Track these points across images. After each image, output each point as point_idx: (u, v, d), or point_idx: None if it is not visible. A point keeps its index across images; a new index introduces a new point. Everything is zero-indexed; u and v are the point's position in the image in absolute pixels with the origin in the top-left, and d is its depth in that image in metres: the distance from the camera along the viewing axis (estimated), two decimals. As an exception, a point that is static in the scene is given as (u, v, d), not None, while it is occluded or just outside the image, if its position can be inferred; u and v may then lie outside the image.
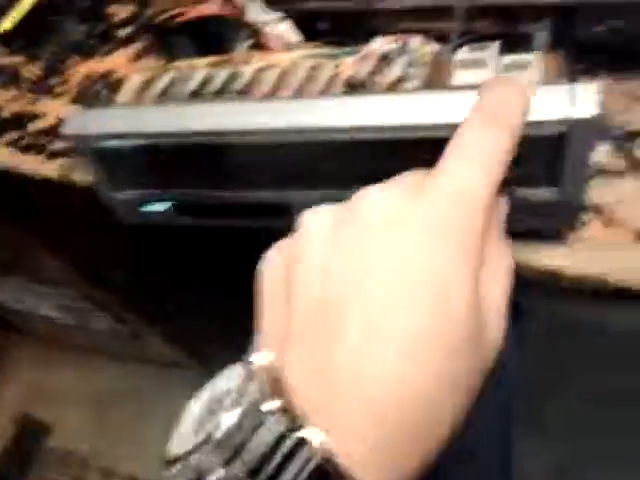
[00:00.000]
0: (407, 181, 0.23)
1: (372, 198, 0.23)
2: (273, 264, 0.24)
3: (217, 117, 0.34)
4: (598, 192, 0.39)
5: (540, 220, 0.36)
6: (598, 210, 0.38)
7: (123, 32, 0.58)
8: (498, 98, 0.24)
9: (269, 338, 0.23)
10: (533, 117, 0.29)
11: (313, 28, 0.45)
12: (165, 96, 0.40)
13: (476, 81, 0.32)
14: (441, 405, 0.20)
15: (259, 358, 0.21)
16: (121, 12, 0.61)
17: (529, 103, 0.24)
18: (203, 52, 0.41)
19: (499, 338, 0.22)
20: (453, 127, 0.24)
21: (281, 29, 0.44)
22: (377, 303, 0.20)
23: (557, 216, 0.35)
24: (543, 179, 0.32)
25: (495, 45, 0.33)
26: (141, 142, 0.37)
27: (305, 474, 0.18)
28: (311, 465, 0.18)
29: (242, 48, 0.43)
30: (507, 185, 0.32)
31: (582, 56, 0.43)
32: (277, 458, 0.19)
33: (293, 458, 0.18)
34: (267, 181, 0.35)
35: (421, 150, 0.27)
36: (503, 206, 0.27)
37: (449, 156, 0.23)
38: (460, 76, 0.32)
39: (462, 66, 0.32)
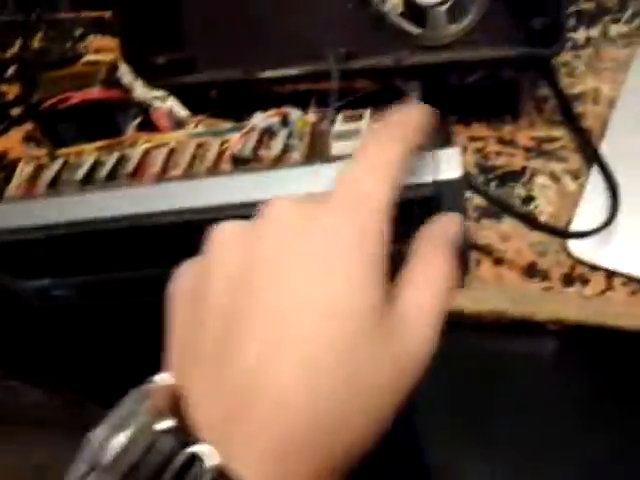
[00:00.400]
0: (313, 194, 0.24)
1: (277, 209, 0.23)
2: (181, 282, 0.24)
3: (105, 204, 0.35)
4: (483, 234, 0.41)
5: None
6: (486, 250, 0.41)
7: (15, 112, 0.57)
8: (394, 117, 0.25)
9: (176, 357, 0.22)
10: (406, 181, 0.31)
11: (202, 100, 0.46)
12: (56, 184, 0.39)
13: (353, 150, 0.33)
14: (348, 410, 0.19)
15: (161, 378, 0.21)
16: (10, 91, 0.60)
17: (422, 121, 0.26)
18: (92, 136, 0.41)
19: (424, 347, 0.21)
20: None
21: (169, 105, 0.45)
22: (275, 315, 0.20)
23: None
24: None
25: (368, 114, 0.35)
26: (35, 235, 0.37)
27: None
28: None
29: (131, 127, 0.43)
30: (397, 242, 0.35)
31: (455, 107, 0.47)
32: (168, 475, 0.18)
33: (185, 475, 0.18)
34: (163, 259, 0.35)
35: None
36: (448, 222, 0.27)
37: (347, 167, 0.24)
38: (338, 147, 0.34)
39: (339, 137, 0.34)
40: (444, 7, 0.43)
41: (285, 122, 0.37)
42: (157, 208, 0.34)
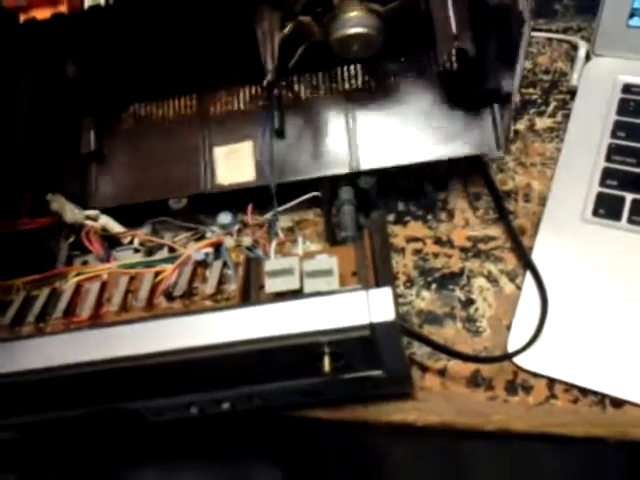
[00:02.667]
0: None
1: None
2: None
3: (39, 354, 0.34)
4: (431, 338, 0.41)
5: (382, 388, 0.38)
6: (433, 357, 0.41)
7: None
8: None
9: None
10: (344, 323, 0.31)
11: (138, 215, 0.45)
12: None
13: (287, 287, 0.33)
14: None
15: None
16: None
17: None
18: (21, 268, 0.40)
19: None
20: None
21: (102, 222, 0.44)
22: None
23: (392, 384, 0.37)
24: (369, 364, 0.34)
25: (296, 258, 0.35)
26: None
27: None
28: None
29: (64, 249, 0.42)
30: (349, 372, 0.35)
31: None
32: None
33: None
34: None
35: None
36: None
37: None
38: (272, 284, 0.34)
39: (272, 275, 0.34)
40: None
41: (219, 252, 0.37)
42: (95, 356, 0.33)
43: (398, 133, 0.45)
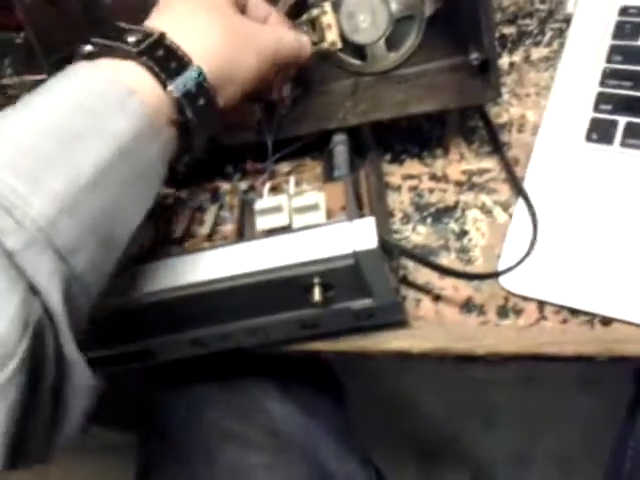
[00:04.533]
0: None
1: None
2: None
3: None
4: (422, 272, 0.43)
5: (375, 317, 0.40)
6: (425, 289, 0.43)
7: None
8: None
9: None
10: (329, 253, 0.33)
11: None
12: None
13: (277, 224, 0.35)
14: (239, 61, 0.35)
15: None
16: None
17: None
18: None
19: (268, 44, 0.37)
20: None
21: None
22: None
23: (385, 313, 0.39)
24: (359, 293, 0.36)
25: (292, 182, 0.37)
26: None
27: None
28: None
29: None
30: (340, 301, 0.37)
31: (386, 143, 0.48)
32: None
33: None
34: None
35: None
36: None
37: None
38: (262, 221, 0.36)
39: (262, 213, 0.36)
40: (382, 40, 0.45)
41: (215, 196, 0.39)
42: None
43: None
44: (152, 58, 0.32)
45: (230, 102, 0.36)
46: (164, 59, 0.32)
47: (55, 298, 0.26)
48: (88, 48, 0.33)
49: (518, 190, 0.43)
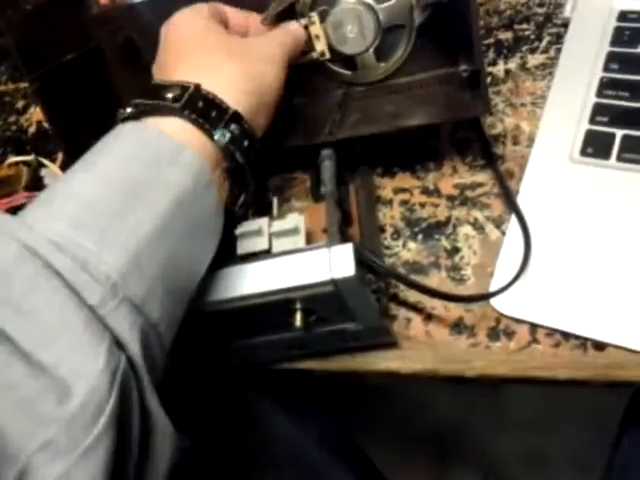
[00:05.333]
0: None
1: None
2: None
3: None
4: (413, 292, 0.42)
5: (361, 339, 0.39)
6: (416, 308, 0.41)
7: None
8: None
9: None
10: (307, 280, 0.32)
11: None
12: None
13: (257, 248, 0.34)
14: (260, 80, 0.37)
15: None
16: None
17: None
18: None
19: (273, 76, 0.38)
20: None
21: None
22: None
23: (370, 335, 0.38)
24: (343, 317, 0.35)
25: (275, 203, 0.36)
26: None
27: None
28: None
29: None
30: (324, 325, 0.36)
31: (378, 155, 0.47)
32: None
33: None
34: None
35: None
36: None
37: None
38: (242, 245, 0.35)
39: (243, 237, 0.35)
40: (370, 50, 0.43)
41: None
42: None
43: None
44: (194, 111, 0.33)
45: (268, 120, 0.38)
46: (205, 110, 0.33)
47: (136, 349, 0.27)
48: (129, 110, 0.34)
49: (512, 207, 0.42)
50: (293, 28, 0.42)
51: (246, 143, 0.35)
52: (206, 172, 0.32)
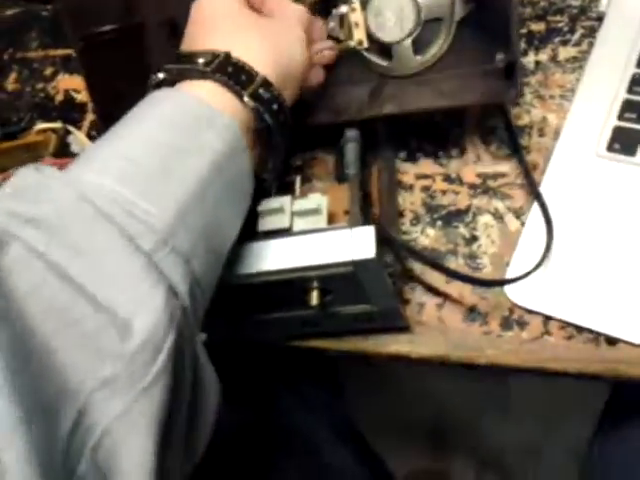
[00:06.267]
0: None
1: None
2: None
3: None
4: (428, 275, 0.42)
5: (375, 321, 0.39)
6: (431, 293, 0.42)
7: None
8: None
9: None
10: (328, 260, 0.33)
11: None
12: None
13: (277, 226, 0.35)
14: (287, 55, 0.38)
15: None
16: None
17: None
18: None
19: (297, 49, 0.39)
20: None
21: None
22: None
23: (384, 318, 0.38)
24: (358, 298, 0.36)
25: (288, 198, 0.36)
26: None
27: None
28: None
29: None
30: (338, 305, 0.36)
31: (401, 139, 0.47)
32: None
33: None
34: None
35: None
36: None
37: None
38: (263, 222, 0.35)
39: (264, 214, 0.35)
40: (408, 41, 0.43)
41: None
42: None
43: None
44: (225, 74, 0.34)
45: (294, 96, 0.39)
46: (235, 74, 0.34)
47: (186, 300, 0.27)
48: (161, 75, 0.36)
49: (535, 195, 0.42)
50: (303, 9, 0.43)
51: (275, 107, 0.36)
52: (240, 136, 0.33)
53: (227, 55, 0.35)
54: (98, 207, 0.26)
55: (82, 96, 0.60)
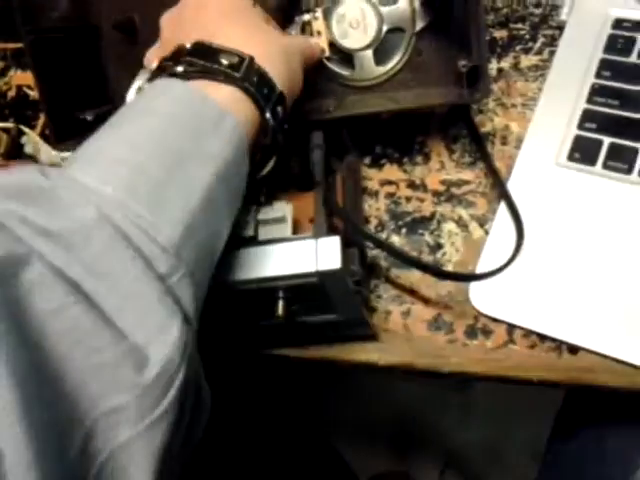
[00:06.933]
0: None
1: None
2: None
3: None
4: (393, 284, 0.42)
5: (341, 331, 0.39)
6: (397, 302, 0.42)
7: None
8: None
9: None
10: (293, 270, 0.32)
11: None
12: None
13: (242, 234, 0.34)
14: (293, 73, 0.36)
15: None
16: None
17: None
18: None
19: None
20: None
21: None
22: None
23: (350, 328, 0.38)
24: (325, 309, 0.35)
25: (252, 206, 0.35)
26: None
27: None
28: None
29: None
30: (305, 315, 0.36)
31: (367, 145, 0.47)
32: None
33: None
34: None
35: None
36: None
37: None
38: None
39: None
40: (370, 50, 0.43)
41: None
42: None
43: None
44: (252, 84, 0.32)
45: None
46: (259, 85, 0.32)
47: (194, 322, 0.26)
48: (181, 68, 0.32)
49: (503, 194, 0.42)
50: (314, 42, 0.42)
51: (286, 126, 0.35)
52: (244, 142, 0.31)
53: (252, 60, 0.33)
54: (116, 225, 0.25)
55: (36, 93, 0.58)
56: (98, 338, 0.23)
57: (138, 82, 0.41)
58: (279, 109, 0.34)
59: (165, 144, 0.29)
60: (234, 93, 0.32)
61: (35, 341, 0.22)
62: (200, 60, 0.32)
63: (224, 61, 0.32)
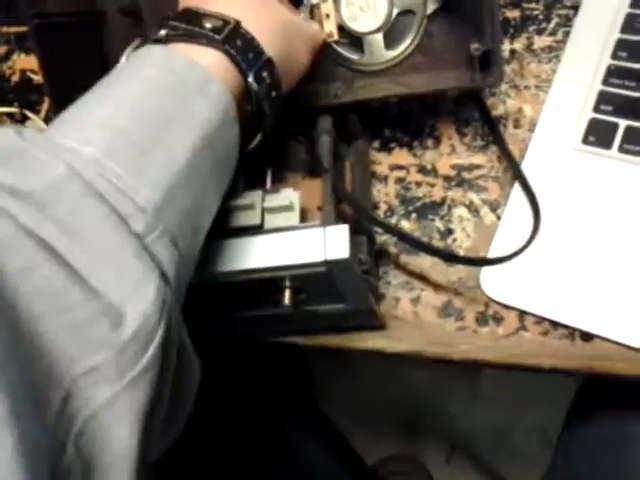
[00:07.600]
0: None
1: None
2: None
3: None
4: (403, 270, 0.41)
5: (349, 320, 0.38)
6: (406, 288, 0.41)
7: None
8: None
9: None
10: (300, 260, 0.31)
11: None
12: None
13: (248, 223, 0.33)
14: (293, 51, 0.36)
15: None
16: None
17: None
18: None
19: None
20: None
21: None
22: None
23: (358, 317, 0.38)
24: (332, 298, 0.35)
25: (258, 193, 0.35)
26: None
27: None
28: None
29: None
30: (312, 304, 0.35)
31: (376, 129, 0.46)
32: None
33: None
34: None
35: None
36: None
37: None
38: (236, 218, 0.34)
39: (235, 210, 0.34)
40: (380, 33, 0.42)
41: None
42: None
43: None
44: (234, 47, 0.31)
45: (286, 92, 0.36)
46: (243, 49, 0.32)
47: (174, 283, 0.26)
48: (164, 32, 0.32)
49: (516, 175, 0.41)
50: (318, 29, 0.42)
51: (273, 94, 0.34)
52: (232, 108, 0.31)
53: (237, 24, 0.32)
54: (88, 182, 0.24)
55: (40, 77, 0.57)
56: (69, 296, 0.22)
57: (127, 51, 0.40)
58: (264, 74, 0.33)
59: (147, 108, 0.28)
60: (218, 57, 0.31)
61: (9, 301, 0.21)
62: (183, 24, 0.32)
63: (207, 25, 0.31)
